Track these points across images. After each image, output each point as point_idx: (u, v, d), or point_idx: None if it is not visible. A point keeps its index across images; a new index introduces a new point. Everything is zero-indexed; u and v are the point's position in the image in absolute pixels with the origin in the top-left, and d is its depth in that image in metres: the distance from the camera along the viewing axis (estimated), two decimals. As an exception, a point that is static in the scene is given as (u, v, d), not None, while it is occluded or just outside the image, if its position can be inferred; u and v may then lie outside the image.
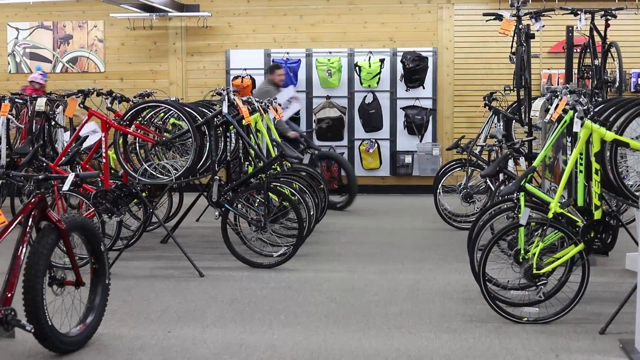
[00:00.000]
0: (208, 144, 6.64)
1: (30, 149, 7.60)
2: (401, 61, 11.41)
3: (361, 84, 11.46)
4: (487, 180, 7.99)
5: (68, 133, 9.02)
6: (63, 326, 4.40)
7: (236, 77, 11.67)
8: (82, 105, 7.06)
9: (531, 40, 7.55)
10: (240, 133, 7.05)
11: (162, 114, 7.29)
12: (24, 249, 4.06)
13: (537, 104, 6.45)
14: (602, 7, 8.73)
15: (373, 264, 6.73)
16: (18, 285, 4.02)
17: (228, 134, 6.99)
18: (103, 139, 6.64)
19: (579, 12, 8.26)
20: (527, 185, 5.15)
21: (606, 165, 4.95)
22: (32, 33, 12.46)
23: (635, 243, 6.39)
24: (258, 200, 6.88)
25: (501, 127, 8.81)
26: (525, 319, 4.89)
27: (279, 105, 8.69)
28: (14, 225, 4.10)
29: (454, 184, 8.60)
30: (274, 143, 8.13)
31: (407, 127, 11.47)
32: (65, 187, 4.53)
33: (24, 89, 10.77)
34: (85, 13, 12.35)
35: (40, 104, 8.27)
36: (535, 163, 5.58)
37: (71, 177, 4.47)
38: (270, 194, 6.66)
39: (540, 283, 4.90)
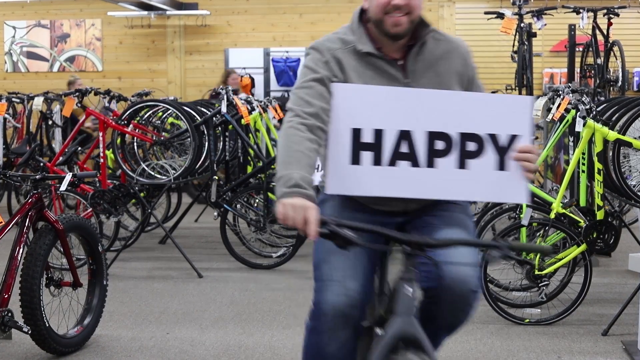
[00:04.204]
0: (207, 143, 6.61)
1: (28, 148, 7.56)
2: (401, 60, 11.36)
3: (361, 82, 11.42)
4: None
5: (60, 130, 8.97)
6: (60, 327, 4.36)
7: (235, 76, 11.63)
8: (79, 105, 7.03)
9: (533, 38, 7.54)
10: (239, 132, 7.01)
11: (160, 114, 7.25)
12: (21, 250, 4.04)
13: (539, 104, 6.41)
14: (604, 5, 8.69)
15: (373, 264, 6.68)
16: (15, 286, 3.99)
17: (227, 134, 6.96)
18: (101, 138, 6.61)
19: (581, 11, 8.22)
20: (529, 185, 5.10)
21: (609, 165, 4.91)
22: (29, 32, 12.42)
23: (638, 244, 6.36)
24: (257, 200, 6.84)
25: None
26: (527, 320, 4.85)
27: None
28: (10, 225, 4.08)
29: (454, 184, 8.54)
30: (274, 143, 8.08)
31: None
32: (63, 187, 4.49)
33: None
34: (82, 11, 12.31)
35: (38, 103, 8.23)
36: (536, 163, 5.54)
37: (68, 177, 4.44)
38: (269, 194, 6.62)
39: (542, 284, 4.86)
